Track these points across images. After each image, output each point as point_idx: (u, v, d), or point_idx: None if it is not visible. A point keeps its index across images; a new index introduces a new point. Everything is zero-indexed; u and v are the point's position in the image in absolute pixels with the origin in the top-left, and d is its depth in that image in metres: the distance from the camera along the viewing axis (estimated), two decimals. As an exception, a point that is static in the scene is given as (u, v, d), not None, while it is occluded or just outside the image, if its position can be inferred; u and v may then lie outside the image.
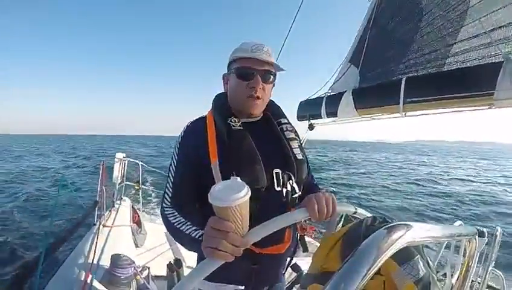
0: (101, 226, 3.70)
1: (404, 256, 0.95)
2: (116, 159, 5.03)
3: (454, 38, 2.22)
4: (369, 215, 1.33)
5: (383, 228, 0.70)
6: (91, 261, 2.83)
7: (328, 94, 2.94)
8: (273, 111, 1.50)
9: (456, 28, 2.23)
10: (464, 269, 1.46)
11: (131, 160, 5.41)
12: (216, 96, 1.47)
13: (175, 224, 1.14)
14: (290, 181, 1.30)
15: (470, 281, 1.49)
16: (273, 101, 1.51)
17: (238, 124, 1.30)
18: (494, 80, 1.69)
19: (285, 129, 1.44)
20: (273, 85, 1.41)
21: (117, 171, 4.98)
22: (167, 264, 2.98)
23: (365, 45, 2.80)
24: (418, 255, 0.96)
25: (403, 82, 2.11)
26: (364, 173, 29.63)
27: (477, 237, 1.40)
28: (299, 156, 1.37)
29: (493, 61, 1.88)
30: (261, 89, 1.30)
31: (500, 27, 1.95)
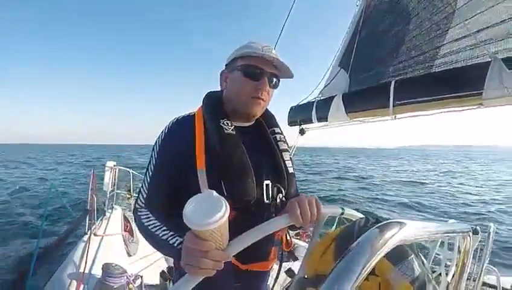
0: (92, 235, 3.66)
1: (399, 256, 0.93)
2: (106, 168, 4.99)
3: (442, 40, 2.24)
4: (360, 215, 1.32)
5: (376, 226, 0.68)
6: (82, 271, 2.80)
7: (319, 99, 2.94)
8: (267, 118, 1.43)
9: (444, 30, 2.25)
10: (460, 266, 1.45)
11: (122, 168, 5.35)
12: (208, 94, 1.36)
13: (149, 227, 1.08)
14: (280, 195, 1.25)
15: (466, 278, 1.48)
16: (267, 108, 1.41)
17: (231, 128, 1.21)
18: (483, 79, 1.69)
19: (278, 139, 1.39)
20: None
21: (108, 180, 4.93)
22: (160, 273, 2.95)
23: (354, 49, 2.81)
24: (413, 255, 0.95)
25: (392, 84, 2.11)
26: (319, 173, 34.88)
27: (471, 234, 1.40)
28: (291, 170, 1.33)
29: (480, 61, 1.88)
30: (266, 92, 1.23)
31: (486, 28, 1.97)
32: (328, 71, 3.12)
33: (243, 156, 1.17)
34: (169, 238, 1.00)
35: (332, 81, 2.95)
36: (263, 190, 1.21)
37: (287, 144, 1.44)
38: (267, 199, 1.21)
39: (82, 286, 2.55)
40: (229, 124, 1.22)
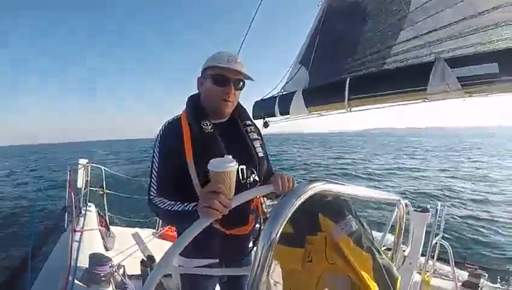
0: (72, 232, 3.68)
1: (339, 216, 1.18)
2: (79, 165, 4.93)
3: (394, 40, 2.42)
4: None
5: (308, 180, 0.97)
6: (69, 263, 2.85)
7: (281, 94, 3.09)
8: (240, 113, 1.69)
9: (396, 31, 2.44)
10: (397, 231, 1.69)
11: (95, 165, 5.31)
12: (189, 98, 1.63)
13: (166, 208, 1.33)
14: (253, 175, 1.52)
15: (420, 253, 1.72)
16: (240, 104, 1.68)
17: (210, 127, 1.48)
18: (427, 77, 1.90)
19: (249, 130, 1.64)
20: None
21: (81, 177, 4.90)
22: (140, 261, 3.10)
23: (314, 47, 2.96)
24: (350, 215, 1.18)
25: (347, 81, 2.31)
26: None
27: (402, 202, 1.63)
28: (261, 154, 1.60)
29: (426, 60, 2.07)
30: (233, 94, 1.50)
31: (433, 30, 2.17)
32: (290, 68, 3.28)
33: (220, 148, 1.44)
34: (184, 207, 1.25)
35: (294, 78, 3.10)
36: (239, 173, 1.47)
37: (258, 133, 1.71)
38: (242, 180, 1.48)
39: (70, 276, 2.60)
40: (208, 124, 1.49)
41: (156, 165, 1.47)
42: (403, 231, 1.76)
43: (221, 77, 1.46)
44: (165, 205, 1.34)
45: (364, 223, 1.23)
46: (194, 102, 1.60)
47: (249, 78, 1.55)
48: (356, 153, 42.09)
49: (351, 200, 1.27)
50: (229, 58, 1.45)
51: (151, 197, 1.42)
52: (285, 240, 1.20)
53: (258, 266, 0.80)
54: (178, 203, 1.30)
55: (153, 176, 1.47)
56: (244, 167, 1.50)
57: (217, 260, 1.56)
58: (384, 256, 1.17)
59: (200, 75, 1.59)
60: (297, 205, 0.87)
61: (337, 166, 27.79)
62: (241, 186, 1.46)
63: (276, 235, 0.81)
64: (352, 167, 26.32)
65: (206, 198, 1.05)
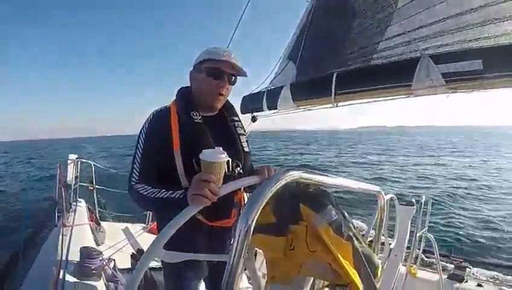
0: (62, 226, 3.69)
1: (319, 206, 1.20)
2: (69, 161, 4.98)
3: (381, 36, 2.45)
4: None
5: (285, 168, 0.99)
6: (60, 258, 2.88)
7: (269, 88, 3.13)
8: (228, 109, 1.72)
9: (384, 27, 2.47)
10: (378, 221, 1.77)
11: (84, 161, 5.32)
12: (180, 90, 1.65)
13: (149, 195, 1.34)
14: (238, 168, 1.55)
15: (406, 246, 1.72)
16: (227, 100, 1.70)
17: (199, 118, 1.50)
18: (412, 72, 1.93)
19: (236, 126, 1.69)
20: None
21: (71, 173, 4.93)
22: (131, 255, 3.19)
23: (302, 42, 2.99)
24: (330, 205, 1.21)
25: (334, 76, 2.34)
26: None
27: (383, 193, 1.65)
28: (246, 149, 1.65)
29: (412, 56, 2.11)
30: (226, 89, 1.53)
31: (418, 28, 2.20)
32: (278, 63, 3.31)
33: (208, 139, 1.47)
34: (170, 194, 1.29)
35: (282, 72, 3.13)
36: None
37: (244, 129, 1.75)
38: (228, 172, 1.47)
39: (61, 270, 2.61)
40: (197, 115, 1.51)
41: (140, 151, 1.47)
42: (384, 222, 1.80)
43: (217, 70, 1.48)
44: (148, 191, 1.35)
45: (345, 213, 1.27)
46: (184, 94, 1.61)
47: (244, 73, 1.58)
48: (324, 151, 44.29)
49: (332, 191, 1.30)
50: (224, 53, 1.48)
51: (133, 183, 1.43)
52: (268, 229, 1.23)
53: (235, 251, 0.81)
54: (163, 190, 1.31)
55: (135, 162, 1.47)
56: (230, 159, 1.50)
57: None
58: (364, 245, 1.21)
59: (192, 69, 1.60)
60: (273, 191, 0.88)
61: (301, 160, 30.59)
62: (227, 178, 1.45)
63: (253, 220, 0.82)
64: (313, 161, 29.38)
65: (197, 186, 1.09)
